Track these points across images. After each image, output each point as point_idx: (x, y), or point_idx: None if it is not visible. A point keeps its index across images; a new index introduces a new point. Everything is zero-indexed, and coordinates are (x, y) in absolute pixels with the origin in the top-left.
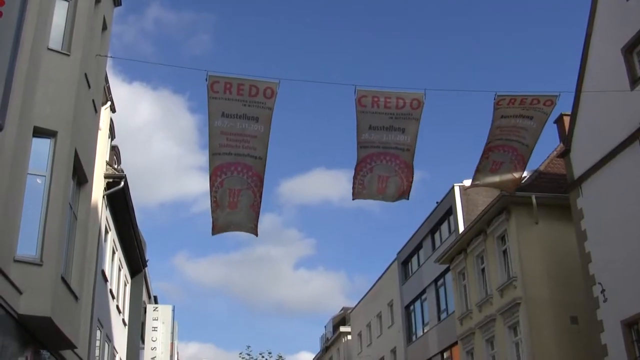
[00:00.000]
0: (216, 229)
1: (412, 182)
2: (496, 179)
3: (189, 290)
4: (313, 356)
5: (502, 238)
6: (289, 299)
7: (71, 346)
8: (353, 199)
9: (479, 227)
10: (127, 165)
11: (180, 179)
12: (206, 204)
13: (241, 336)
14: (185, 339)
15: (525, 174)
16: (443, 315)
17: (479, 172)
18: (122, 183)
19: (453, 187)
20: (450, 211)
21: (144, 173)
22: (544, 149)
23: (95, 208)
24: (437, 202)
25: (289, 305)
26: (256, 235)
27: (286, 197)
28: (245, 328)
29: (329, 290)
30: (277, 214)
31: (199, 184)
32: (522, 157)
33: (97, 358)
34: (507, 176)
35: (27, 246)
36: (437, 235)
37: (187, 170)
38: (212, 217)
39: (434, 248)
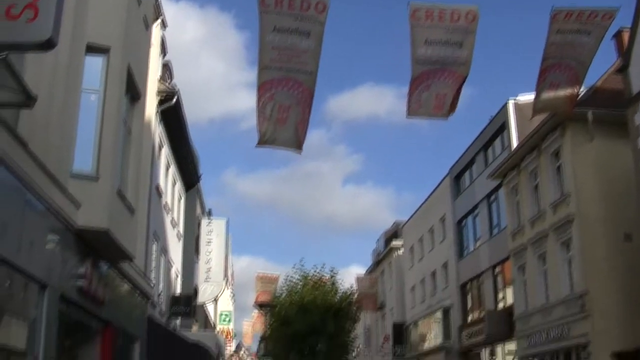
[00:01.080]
0: (261, 142)
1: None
2: (553, 102)
3: (239, 205)
4: (363, 270)
5: (556, 154)
6: (338, 214)
7: (128, 258)
8: (408, 117)
9: (533, 143)
10: (177, 82)
11: (229, 95)
12: (254, 120)
13: (291, 251)
14: (237, 253)
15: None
16: (495, 231)
17: (537, 97)
18: (175, 99)
19: (507, 102)
20: (504, 127)
21: (193, 90)
22: (601, 65)
23: (149, 124)
24: (490, 118)
25: (338, 221)
26: (300, 152)
27: (334, 112)
28: (295, 243)
29: (377, 206)
30: (325, 130)
31: (247, 101)
32: (578, 76)
33: (154, 270)
34: (564, 98)
35: (83, 161)
36: (489, 151)
37: (235, 87)
38: (259, 130)
39: (486, 164)
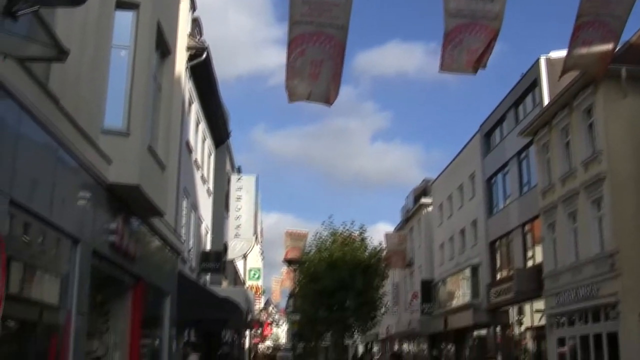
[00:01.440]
0: (293, 97)
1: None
2: (585, 60)
3: (267, 162)
4: (391, 227)
5: (589, 111)
6: (366, 171)
7: (159, 214)
8: (441, 71)
9: (565, 100)
10: (206, 38)
11: (256, 52)
12: (283, 77)
13: (320, 208)
14: (266, 210)
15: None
16: (525, 189)
17: (569, 55)
18: (205, 54)
19: (539, 59)
20: (535, 83)
21: (220, 47)
22: (636, 20)
23: (179, 79)
24: (521, 74)
25: (366, 178)
26: (329, 106)
27: (362, 69)
28: (324, 200)
29: (405, 163)
30: (353, 86)
31: (275, 58)
32: (613, 33)
33: (184, 226)
34: (597, 56)
35: (114, 118)
36: (520, 108)
37: (263, 44)
38: (289, 86)
39: (517, 121)
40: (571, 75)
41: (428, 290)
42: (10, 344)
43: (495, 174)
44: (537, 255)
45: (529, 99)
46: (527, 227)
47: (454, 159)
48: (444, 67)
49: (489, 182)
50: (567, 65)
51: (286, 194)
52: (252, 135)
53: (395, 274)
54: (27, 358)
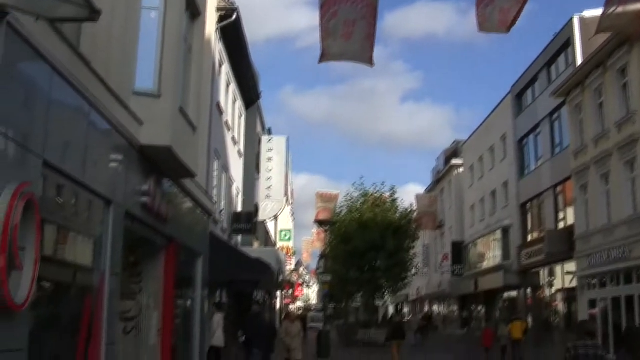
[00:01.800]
0: (326, 57)
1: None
2: (621, 20)
3: (296, 124)
4: (421, 189)
5: (623, 71)
6: (396, 133)
7: (190, 175)
8: (479, 31)
9: (598, 60)
10: None
11: (287, 13)
12: (311, 39)
13: (349, 169)
14: (296, 171)
15: None
16: (557, 150)
17: (604, 14)
18: (235, 16)
19: (572, 18)
20: (568, 43)
21: (249, 8)
22: None
23: (209, 41)
24: (554, 34)
25: (396, 139)
26: (372, 65)
27: (391, 29)
28: (353, 161)
29: (436, 124)
30: (382, 47)
31: (305, 19)
32: None
33: (215, 187)
34: (633, 15)
35: (145, 79)
36: (553, 68)
37: (293, 5)
38: (323, 46)
39: (549, 81)
40: (605, 35)
41: (458, 251)
42: (46, 306)
43: (527, 135)
44: (569, 217)
45: (561, 59)
46: (558, 189)
47: (485, 120)
48: (481, 26)
49: (521, 143)
50: (602, 25)
51: (315, 155)
52: (281, 97)
53: (426, 236)
54: (61, 319)
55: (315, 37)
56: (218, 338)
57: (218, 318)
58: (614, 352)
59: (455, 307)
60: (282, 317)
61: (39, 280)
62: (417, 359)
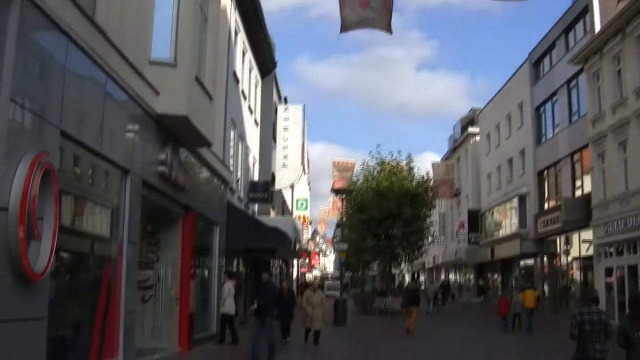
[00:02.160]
0: (345, 27)
1: None
2: None
3: (312, 93)
4: (438, 157)
5: None
6: (411, 101)
7: (207, 144)
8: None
9: (617, 27)
10: None
11: None
12: (325, 7)
13: (364, 138)
14: (311, 140)
15: None
16: (574, 118)
17: None
18: None
19: None
20: (586, 10)
21: None
22: None
23: (225, 10)
24: (572, 1)
25: (412, 107)
26: (390, 32)
27: None
28: (369, 130)
29: (451, 93)
30: (398, 15)
31: None
32: None
33: (232, 157)
34: None
35: (161, 48)
36: (571, 35)
37: None
38: (341, 15)
39: (567, 48)
40: (624, 1)
41: (475, 219)
42: (65, 276)
43: (544, 102)
44: (586, 185)
45: (579, 26)
46: (576, 157)
47: (501, 88)
48: None
49: (538, 111)
50: None
51: (331, 124)
52: (296, 67)
53: (442, 204)
54: (81, 288)
55: (330, 5)
56: (229, 306)
57: (229, 286)
58: (618, 318)
59: (471, 276)
60: (299, 285)
61: (58, 250)
62: (431, 326)
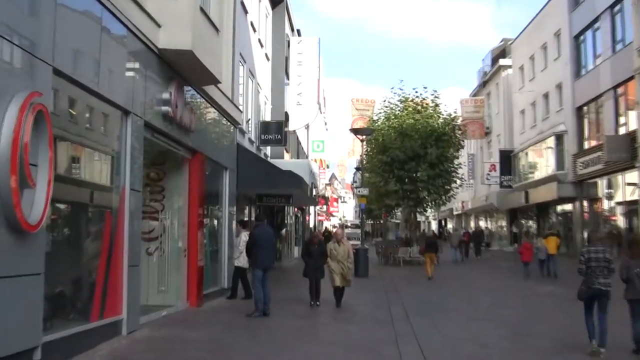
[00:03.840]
0: None
1: None
2: None
3: (323, 25)
4: (465, 92)
5: None
6: (431, 33)
7: (214, 81)
8: None
9: None
10: None
11: None
12: None
13: (382, 72)
14: (327, 75)
15: None
16: (618, 47)
17: None
18: None
19: None
20: None
21: None
22: None
23: None
24: None
25: (431, 39)
26: None
27: None
28: (386, 64)
29: (474, 22)
30: None
31: None
32: None
33: (242, 95)
34: None
35: None
36: None
37: None
38: None
39: None
40: None
41: (507, 161)
42: (62, 228)
43: (584, 30)
44: (631, 121)
45: None
46: (619, 90)
47: (536, 15)
48: None
49: (577, 40)
50: None
51: (345, 58)
52: None
53: (471, 144)
54: (80, 241)
55: None
56: (243, 258)
57: (244, 237)
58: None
59: (503, 222)
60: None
61: (54, 201)
62: (452, 274)
